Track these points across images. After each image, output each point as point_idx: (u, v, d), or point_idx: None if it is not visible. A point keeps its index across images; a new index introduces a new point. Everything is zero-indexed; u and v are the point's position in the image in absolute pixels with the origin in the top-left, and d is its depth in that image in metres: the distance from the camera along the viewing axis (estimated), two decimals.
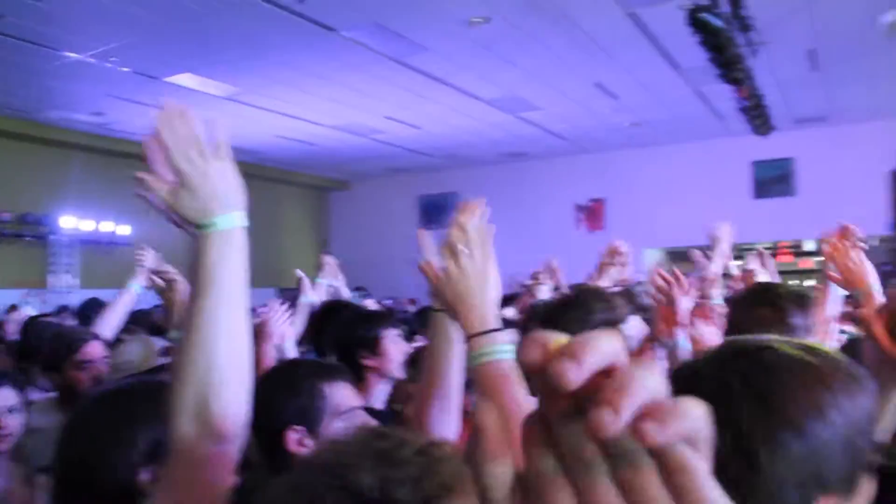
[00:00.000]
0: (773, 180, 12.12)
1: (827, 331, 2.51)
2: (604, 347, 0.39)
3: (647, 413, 0.37)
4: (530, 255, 6.42)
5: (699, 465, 0.38)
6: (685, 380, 0.96)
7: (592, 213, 13.26)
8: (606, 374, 0.39)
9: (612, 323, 2.20)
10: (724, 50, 5.99)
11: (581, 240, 12.10)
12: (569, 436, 0.40)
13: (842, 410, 0.89)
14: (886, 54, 8.08)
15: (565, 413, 0.40)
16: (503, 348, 1.32)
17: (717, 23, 5.68)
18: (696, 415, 0.39)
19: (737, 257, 4.57)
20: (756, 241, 14.09)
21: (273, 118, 10.35)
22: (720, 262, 3.76)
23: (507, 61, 8.16)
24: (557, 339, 0.40)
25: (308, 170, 14.56)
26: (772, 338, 0.99)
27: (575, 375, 0.38)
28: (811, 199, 11.34)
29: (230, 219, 1.15)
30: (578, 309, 2.25)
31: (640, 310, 2.82)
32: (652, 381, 0.38)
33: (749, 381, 0.91)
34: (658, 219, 12.07)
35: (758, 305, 2.27)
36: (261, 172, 13.04)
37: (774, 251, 15.11)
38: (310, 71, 8.40)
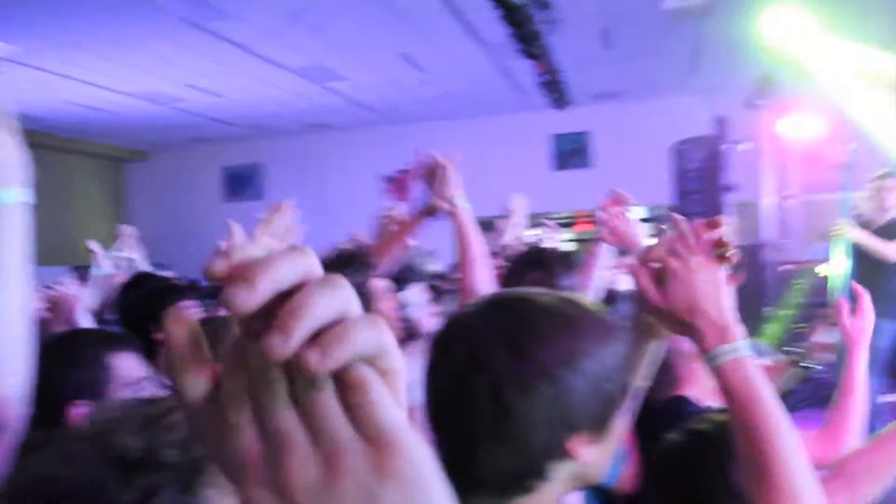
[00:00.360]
0: (570, 153, 12.73)
1: (591, 286, 2.74)
2: (281, 269, 0.37)
3: (318, 337, 0.36)
4: (337, 227, 6.36)
5: (375, 383, 0.38)
6: (449, 327, 1.01)
7: (399, 185, 13.35)
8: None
9: (358, 286, 2.23)
10: (523, 26, 6.18)
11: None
12: (254, 357, 0.38)
13: (592, 357, 0.95)
14: (671, 36, 8.66)
15: (251, 334, 0.38)
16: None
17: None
18: (366, 335, 0.37)
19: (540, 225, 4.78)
20: (556, 211, 14.73)
21: (63, 83, 9.56)
22: (513, 231, 3.93)
23: (313, 29, 7.98)
24: (248, 252, 0.38)
25: (103, 139, 13.62)
26: (532, 290, 1.06)
27: (245, 298, 0.36)
28: (606, 171, 12.00)
29: (9, 195, 1.05)
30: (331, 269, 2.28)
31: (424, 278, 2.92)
32: (333, 302, 0.37)
33: (504, 329, 0.96)
34: (467, 189, 12.31)
35: (529, 269, 2.46)
36: (50, 141, 12.05)
37: (573, 221, 15.93)
38: (105, 34, 7.82)
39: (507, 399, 0.92)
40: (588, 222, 16.01)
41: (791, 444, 1.08)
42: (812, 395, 6.48)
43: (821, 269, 6.74)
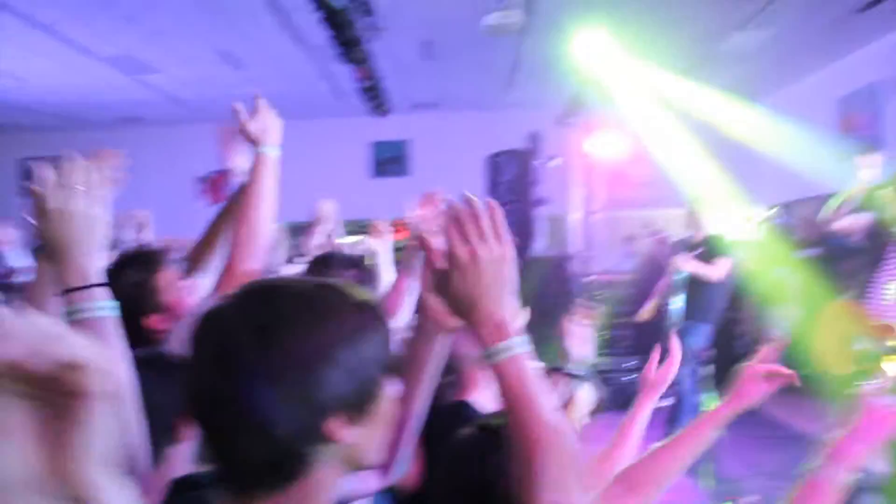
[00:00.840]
0: (390, 160, 12.81)
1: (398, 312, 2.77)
2: None
3: None
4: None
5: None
6: (202, 317, 0.98)
7: (215, 185, 12.89)
8: None
9: (139, 283, 2.14)
10: (344, 30, 6.14)
11: (205, 213, 11.69)
12: None
13: (346, 344, 0.96)
14: (490, 51, 8.91)
15: None
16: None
17: (339, 3, 5.80)
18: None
19: (360, 232, 4.76)
20: (375, 218, 14.76)
21: None
22: (319, 236, 3.93)
23: (127, 18, 7.54)
24: None
25: None
26: (294, 277, 1.07)
27: None
28: (424, 179, 12.16)
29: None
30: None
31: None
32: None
33: (253, 318, 0.94)
34: (283, 193, 12.06)
35: (319, 272, 2.47)
36: None
37: (393, 228, 16.09)
38: None
39: (256, 389, 0.91)
40: (406, 230, 16.29)
41: (563, 445, 1.09)
42: (614, 399, 6.85)
43: (644, 313, 7.11)
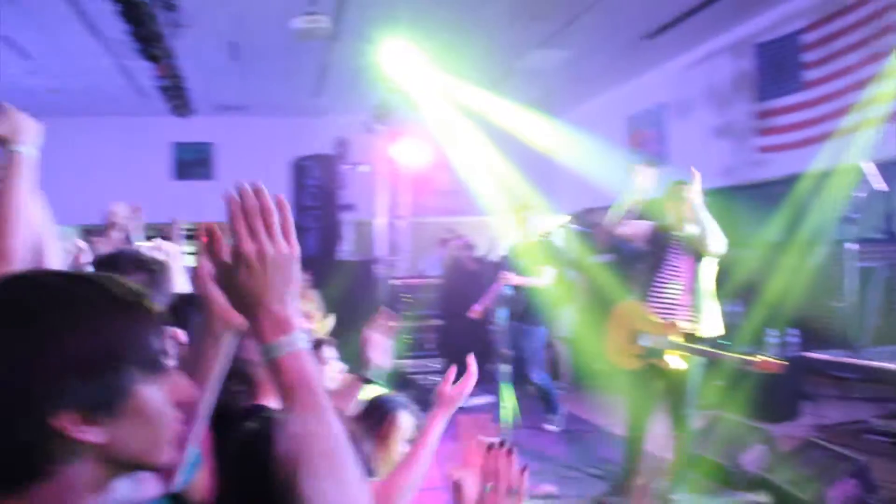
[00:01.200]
0: (193, 163, 12.42)
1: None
2: None
3: None
4: None
5: None
6: None
7: None
8: None
9: None
10: (144, 25, 5.91)
11: None
12: None
13: (75, 334, 0.91)
14: (298, 56, 8.88)
15: None
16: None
17: None
18: None
19: (161, 237, 4.62)
20: (177, 222, 14.18)
21: None
22: (114, 240, 3.81)
23: None
24: None
25: None
26: (43, 269, 1.00)
27: None
28: (228, 184, 11.84)
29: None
30: None
31: None
32: None
33: None
34: (78, 193, 11.39)
35: (104, 271, 2.38)
36: None
37: (196, 233, 15.46)
38: None
39: None
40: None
41: (340, 440, 1.11)
42: (418, 401, 7.01)
43: (475, 313, 7.31)
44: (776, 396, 5.99)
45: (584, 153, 10.88)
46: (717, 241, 4.43)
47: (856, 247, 5.81)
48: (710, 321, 4.50)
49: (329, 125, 10.67)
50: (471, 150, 10.45)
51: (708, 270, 4.55)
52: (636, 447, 4.68)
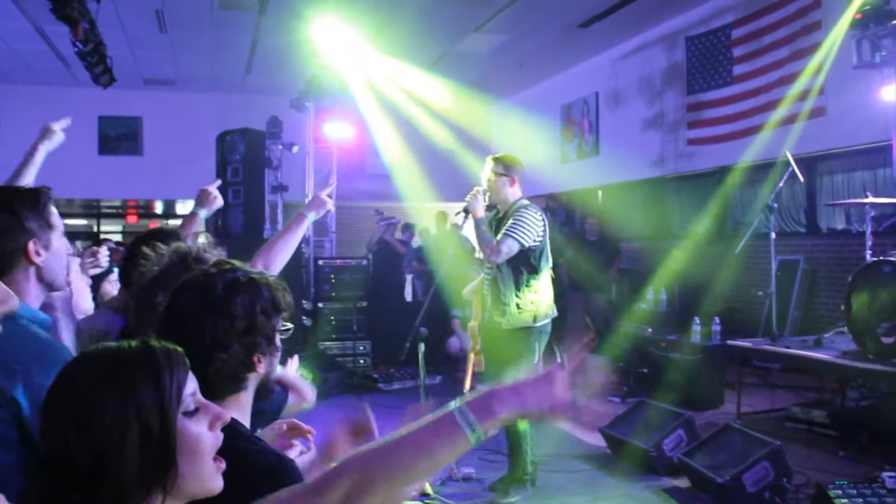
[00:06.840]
0: (120, 137, 12.02)
1: None
2: None
3: None
4: None
5: None
6: None
7: None
8: None
9: None
10: None
11: None
12: None
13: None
14: (227, 30, 8.67)
15: None
16: None
17: None
18: None
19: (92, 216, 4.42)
20: (104, 198, 13.78)
21: None
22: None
23: None
24: None
25: None
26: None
27: None
28: (157, 160, 11.58)
29: None
30: None
31: None
32: None
33: None
34: None
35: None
36: None
37: (124, 211, 14.92)
38: None
39: None
40: (136, 215, 15.17)
41: None
42: (342, 383, 6.98)
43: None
44: (701, 385, 6.08)
45: (520, 140, 10.95)
46: (485, 252, 4.44)
47: (776, 239, 5.92)
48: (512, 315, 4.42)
49: (260, 103, 10.46)
50: (401, 133, 10.46)
51: (514, 271, 4.45)
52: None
